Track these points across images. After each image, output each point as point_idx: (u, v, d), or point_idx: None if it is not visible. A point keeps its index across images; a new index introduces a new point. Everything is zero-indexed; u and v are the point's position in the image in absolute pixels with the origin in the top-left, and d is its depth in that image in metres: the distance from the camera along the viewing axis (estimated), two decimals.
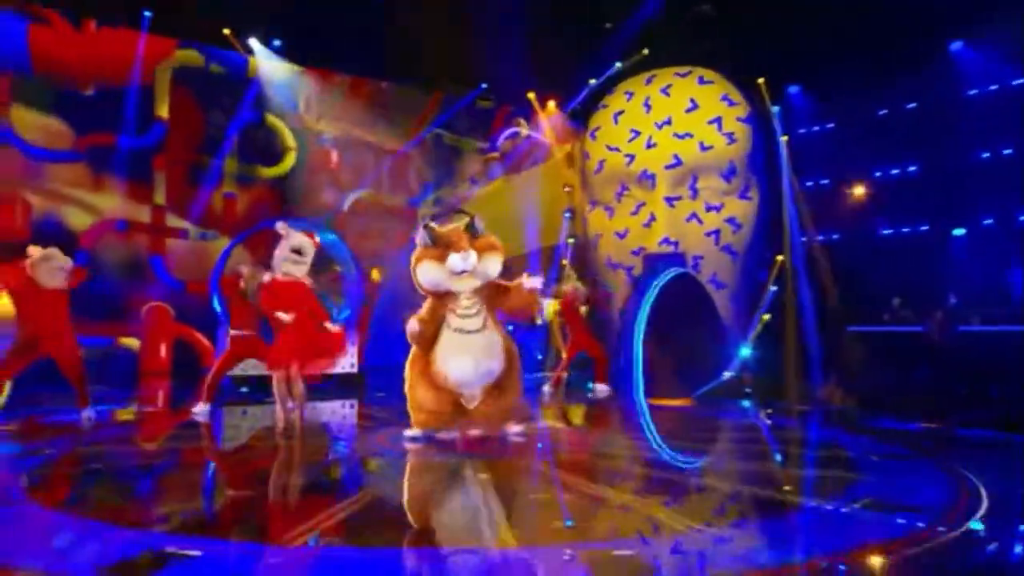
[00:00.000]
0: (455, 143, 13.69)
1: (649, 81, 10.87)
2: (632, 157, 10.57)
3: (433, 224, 5.26)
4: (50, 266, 6.16)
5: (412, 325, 5.15)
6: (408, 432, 5.37)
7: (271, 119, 12.03)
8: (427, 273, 5.09)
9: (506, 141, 13.49)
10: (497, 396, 5.29)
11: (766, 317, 10.77)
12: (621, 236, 10.74)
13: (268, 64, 11.59)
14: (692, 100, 10.55)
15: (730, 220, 10.53)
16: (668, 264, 10.55)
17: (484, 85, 12.82)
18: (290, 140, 12.30)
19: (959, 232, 10.62)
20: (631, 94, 10.87)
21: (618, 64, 11.75)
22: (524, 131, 13.14)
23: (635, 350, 10.89)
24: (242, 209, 11.70)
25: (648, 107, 10.61)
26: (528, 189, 13.07)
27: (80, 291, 9.08)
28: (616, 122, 10.82)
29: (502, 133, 13.47)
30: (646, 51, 11.47)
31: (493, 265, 5.19)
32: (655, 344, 10.91)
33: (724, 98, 10.65)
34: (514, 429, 5.46)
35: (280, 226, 6.22)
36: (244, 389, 8.84)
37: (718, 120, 10.48)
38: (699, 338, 10.34)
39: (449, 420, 5.34)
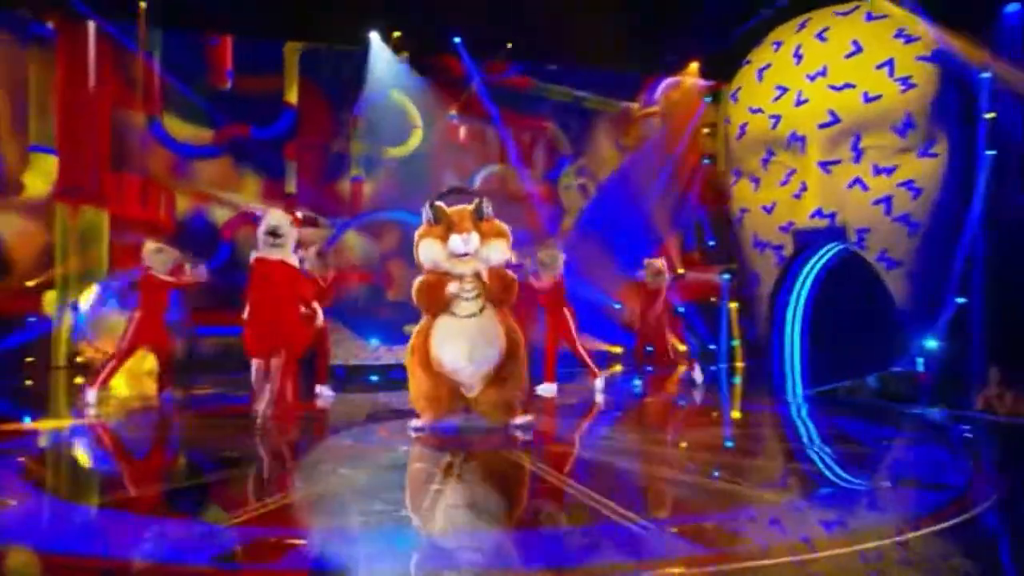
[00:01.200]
0: (598, 106, 12.70)
1: (802, 26, 9.25)
2: (777, 118, 9.12)
3: (440, 203, 5.11)
4: (161, 258, 6.72)
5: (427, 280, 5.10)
6: (413, 423, 5.23)
7: (396, 96, 11.89)
8: (426, 252, 5.03)
9: (665, 93, 12.24)
10: (498, 387, 5.11)
11: (960, 300, 8.92)
12: (768, 210, 9.38)
13: (385, 55, 11.42)
14: (855, 43, 8.83)
15: (906, 184, 8.78)
16: (823, 240, 9.15)
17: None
18: (416, 118, 12.12)
19: None
20: (779, 44, 9.35)
21: (766, 10, 10.12)
22: (689, 80, 11.83)
23: (785, 341, 9.65)
24: (369, 193, 11.75)
25: (799, 57, 9.05)
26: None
27: (223, 283, 9.66)
28: (760, 79, 9.37)
29: (660, 84, 12.22)
30: None
31: (496, 251, 5.07)
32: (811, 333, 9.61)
33: (899, 34, 8.81)
34: (518, 421, 5.23)
35: (262, 210, 6.28)
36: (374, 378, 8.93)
37: (889, 63, 8.70)
38: (863, 326, 8.92)
39: (449, 410, 5.22)
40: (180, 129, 10.87)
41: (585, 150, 12.70)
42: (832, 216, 8.86)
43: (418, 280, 5.16)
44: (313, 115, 11.36)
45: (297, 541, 3.02)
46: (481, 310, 5.08)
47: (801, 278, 9.57)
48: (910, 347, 8.78)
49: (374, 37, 11.23)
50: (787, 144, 9.09)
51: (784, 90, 9.08)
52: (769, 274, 9.50)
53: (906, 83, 8.61)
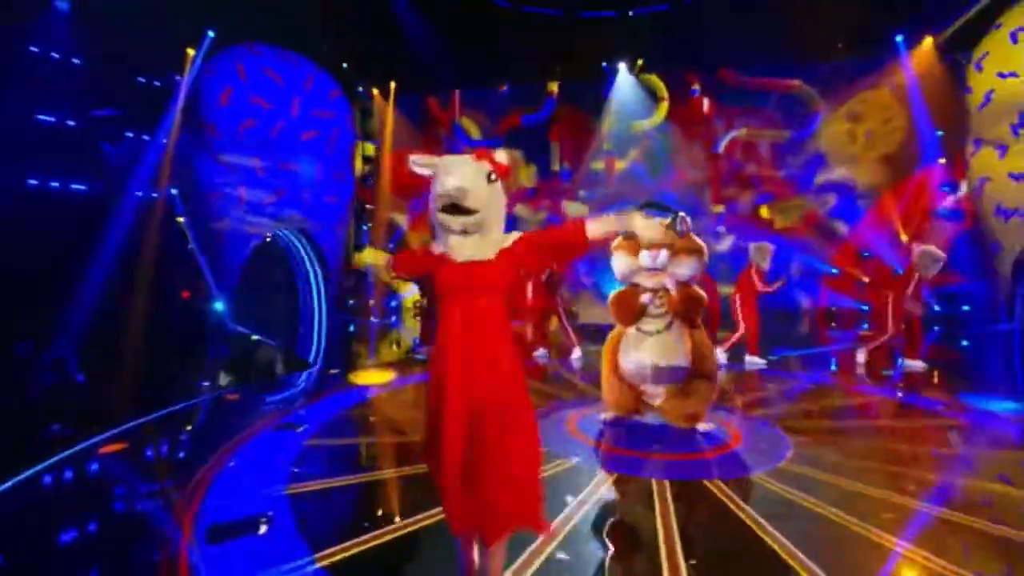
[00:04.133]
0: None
1: None
2: None
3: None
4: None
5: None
6: (603, 415, 5.43)
7: (643, 76, 13.16)
8: (618, 263, 5.16)
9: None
10: (683, 398, 5.09)
11: None
12: (1017, 178, 9.13)
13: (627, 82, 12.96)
14: None
15: None
16: None
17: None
18: (663, 90, 13.21)
19: None
20: None
21: None
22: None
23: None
24: (620, 167, 13.34)
25: None
26: None
27: None
28: (1015, 41, 8.96)
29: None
30: None
31: (685, 267, 5.02)
32: None
33: None
34: (702, 428, 5.13)
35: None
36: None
37: None
38: None
39: (632, 413, 5.32)
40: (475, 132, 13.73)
41: (847, 98, 12.42)
42: None
43: (613, 292, 5.29)
44: (571, 119, 13.33)
45: None
46: (668, 326, 5.05)
47: None
48: None
49: (621, 67, 12.91)
50: None
51: None
52: (1016, 241, 9.29)
53: None
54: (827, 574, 2.89)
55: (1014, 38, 9.01)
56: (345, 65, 11.69)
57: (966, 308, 9.96)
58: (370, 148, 13.54)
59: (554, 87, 13.35)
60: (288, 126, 10.16)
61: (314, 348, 10.25)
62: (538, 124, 13.41)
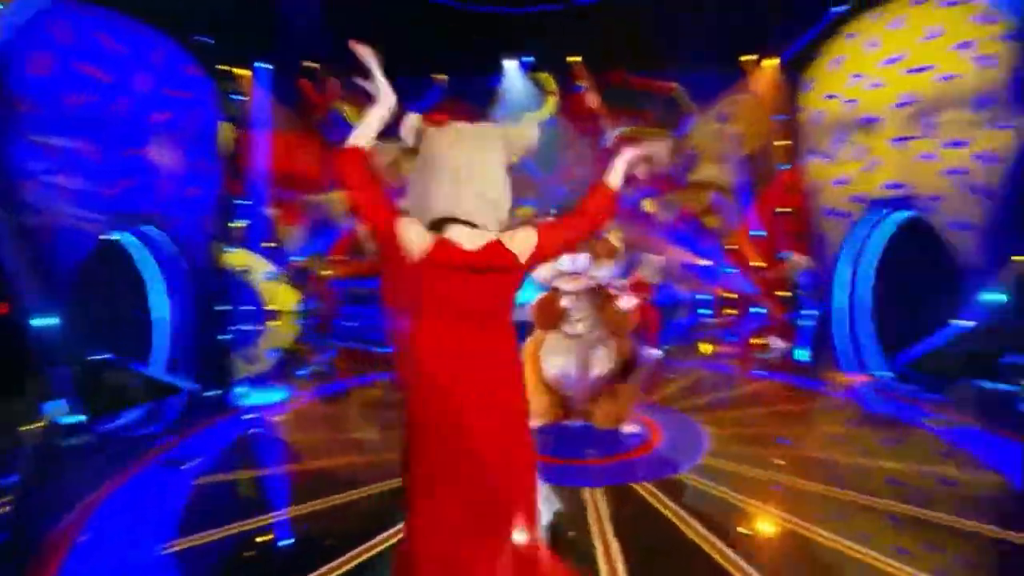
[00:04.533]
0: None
1: (879, 16, 10.09)
2: (854, 102, 10.22)
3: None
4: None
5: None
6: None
7: (533, 75, 13.92)
8: (537, 269, 4.63)
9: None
10: (608, 400, 5.14)
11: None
12: (841, 183, 10.67)
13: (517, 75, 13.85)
14: (932, 28, 9.60)
15: (980, 156, 9.62)
16: (893, 208, 10.26)
17: None
18: (552, 84, 14.04)
19: None
20: (854, 36, 10.28)
21: (839, 7, 10.72)
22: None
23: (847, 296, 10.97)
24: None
25: (874, 45, 9.99)
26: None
27: None
28: (836, 68, 10.43)
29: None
30: None
31: (605, 269, 5.06)
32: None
33: (980, 17, 9.42)
34: (627, 430, 5.18)
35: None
36: None
37: (968, 44, 9.41)
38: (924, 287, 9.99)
39: (554, 417, 5.28)
40: (355, 117, 13.86)
41: (718, 101, 13.71)
42: (903, 186, 9.84)
43: (535, 298, 5.22)
44: (458, 110, 13.81)
45: None
46: (590, 330, 4.99)
47: (868, 242, 10.80)
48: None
49: (511, 62, 13.71)
50: (861, 124, 10.18)
51: (860, 77, 10.11)
52: (838, 237, 10.84)
53: (985, 62, 9.19)
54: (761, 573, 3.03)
55: (835, 66, 10.47)
56: (211, 40, 10.19)
57: (801, 292, 11.55)
58: (232, 132, 11.96)
59: (442, 77, 13.82)
60: (133, 105, 8.74)
61: (181, 366, 8.68)
62: (422, 112, 13.77)
